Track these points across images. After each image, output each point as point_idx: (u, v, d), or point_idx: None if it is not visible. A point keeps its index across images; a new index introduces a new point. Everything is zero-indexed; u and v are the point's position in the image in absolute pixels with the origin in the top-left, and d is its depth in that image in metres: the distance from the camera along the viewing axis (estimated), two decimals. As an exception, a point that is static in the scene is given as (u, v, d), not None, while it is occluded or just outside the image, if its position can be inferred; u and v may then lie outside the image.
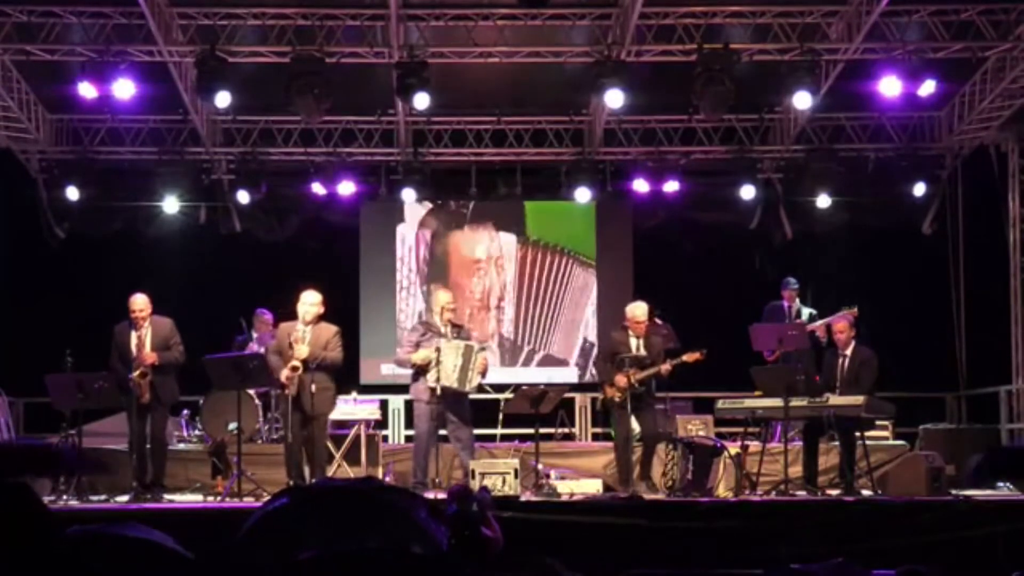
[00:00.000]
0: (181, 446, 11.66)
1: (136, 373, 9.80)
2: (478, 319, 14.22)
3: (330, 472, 10.59)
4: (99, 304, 11.77)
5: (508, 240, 14.65)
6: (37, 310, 13.34)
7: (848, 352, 10.46)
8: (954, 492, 9.81)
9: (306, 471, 9.93)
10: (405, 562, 2.97)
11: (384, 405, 12.56)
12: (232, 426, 10.54)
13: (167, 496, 9.91)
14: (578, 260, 14.66)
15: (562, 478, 10.88)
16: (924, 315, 14.04)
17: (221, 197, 14.02)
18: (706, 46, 11.33)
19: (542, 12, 11.52)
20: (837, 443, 10.49)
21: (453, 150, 14.12)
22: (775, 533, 8.40)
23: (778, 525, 8.56)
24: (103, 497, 9.89)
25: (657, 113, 13.70)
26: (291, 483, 9.54)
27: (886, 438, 11.63)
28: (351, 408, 11.56)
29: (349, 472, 11.12)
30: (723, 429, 11.64)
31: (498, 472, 9.69)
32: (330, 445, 10.75)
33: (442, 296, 10.62)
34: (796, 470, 10.43)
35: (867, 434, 10.42)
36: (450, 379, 10.04)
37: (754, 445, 10.79)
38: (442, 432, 10.41)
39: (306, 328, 9.86)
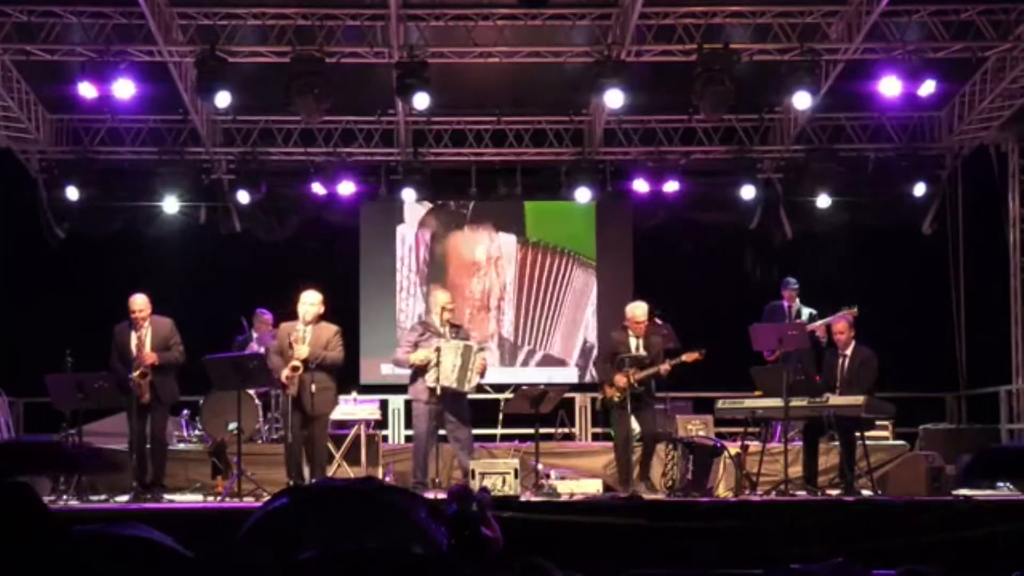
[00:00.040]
0: (181, 446, 11.66)
1: (136, 373, 9.80)
2: (477, 320, 14.22)
3: (330, 472, 10.58)
4: (99, 304, 11.77)
5: (508, 241, 14.65)
6: (37, 310, 13.34)
7: (848, 352, 10.46)
8: (954, 492, 9.80)
9: (306, 471, 9.93)
10: (405, 562, 2.97)
11: (384, 405, 12.56)
12: (232, 426, 10.54)
13: (167, 496, 9.91)
14: (578, 261, 14.65)
15: (562, 478, 10.88)
16: (924, 315, 14.04)
17: (221, 197, 14.02)
18: (706, 46, 11.33)
19: (542, 12, 11.52)
20: (837, 443, 10.48)
21: (453, 150, 14.12)
22: (775, 533, 8.41)
23: (778, 525, 8.56)
24: (103, 497, 9.88)
25: (657, 113, 13.70)
26: (291, 483, 9.54)
27: (886, 438, 11.63)
28: (351, 408, 11.56)
29: (349, 472, 11.12)
30: (723, 429, 11.64)
31: (498, 472, 9.69)
32: (330, 445, 10.74)
33: (441, 296, 10.61)
34: (796, 470, 10.43)
35: (867, 434, 10.41)
36: (449, 379, 10.03)
37: (754, 445, 10.79)
38: (441, 432, 10.41)
39: (306, 328, 9.86)
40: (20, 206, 13.73)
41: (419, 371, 10.23)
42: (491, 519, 6.98)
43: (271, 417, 11.68)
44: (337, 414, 10.91)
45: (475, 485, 9.06)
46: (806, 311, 12.54)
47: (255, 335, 12.34)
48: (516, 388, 11.87)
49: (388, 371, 13.28)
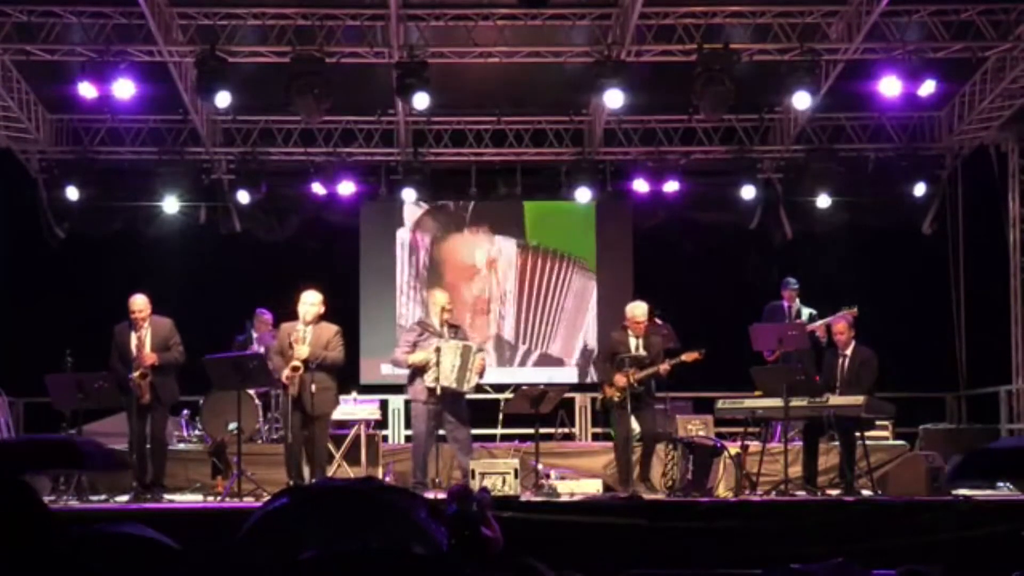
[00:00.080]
0: (181, 446, 11.66)
1: (136, 374, 9.80)
2: (476, 324, 14.19)
3: (330, 472, 10.58)
4: (99, 304, 11.77)
5: (508, 246, 14.64)
6: (37, 310, 13.34)
7: (848, 352, 10.46)
8: (954, 492, 9.80)
9: (306, 471, 9.93)
10: (405, 562, 2.97)
11: (384, 405, 12.56)
12: (232, 426, 10.54)
13: (167, 496, 9.91)
14: (578, 266, 14.63)
15: (562, 478, 10.88)
16: (924, 315, 14.04)
17: (221, 197, 14.03)
18: (706, 46, 11.33)
19: (542, 12, 11.52)
20: (837, 443, 10.48)
21: (453, 150, 14.12)
22: (775, 533, 8.41)
23: (778, 525, 8.56)
24: (103, 497, 9.89)
25: (657, 113, 13.70)
26: (291, 483, 9.54)
27: (886, 438, 11.63)
28: (351, 408, 11.56)
29: (349, 472, 11.12)
30: (723, 429, 11.64)
31: (498, 472, 9.69)
32: (330, 445, 10.74)
33: (440, 296, 10.60)
34: (796, 470, 10.43)
35: (867, 434, 10.41)
36: (448, 379, 10.03)
37: (754, 445, 10.79)
38: (440, 432, 10.40)
39: (307, 328, 9.86)
40: (20, 206, 13.73)
41: (418, 371, 10.23)
42: (491, 519, 6.99)
43: (271, 417, 11.68)
44: (337, 414, 10.90)
45: (475, 485, 9.06)
46: (806, 311, 12.54)
47: (255, 335, 12.34)
48: (516, 388, 11.87)
49: (388, 371, 13.28)
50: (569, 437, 12.92)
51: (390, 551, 3.00)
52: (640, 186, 13.94)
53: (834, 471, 10.67)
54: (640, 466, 10.58)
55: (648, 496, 9.82)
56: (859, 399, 9.91)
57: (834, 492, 10.17)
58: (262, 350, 11.47)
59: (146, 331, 9.98)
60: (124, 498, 9.74)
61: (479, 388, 11.13)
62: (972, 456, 4.32)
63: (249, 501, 9.37)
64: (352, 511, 3.13)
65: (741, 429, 11.15)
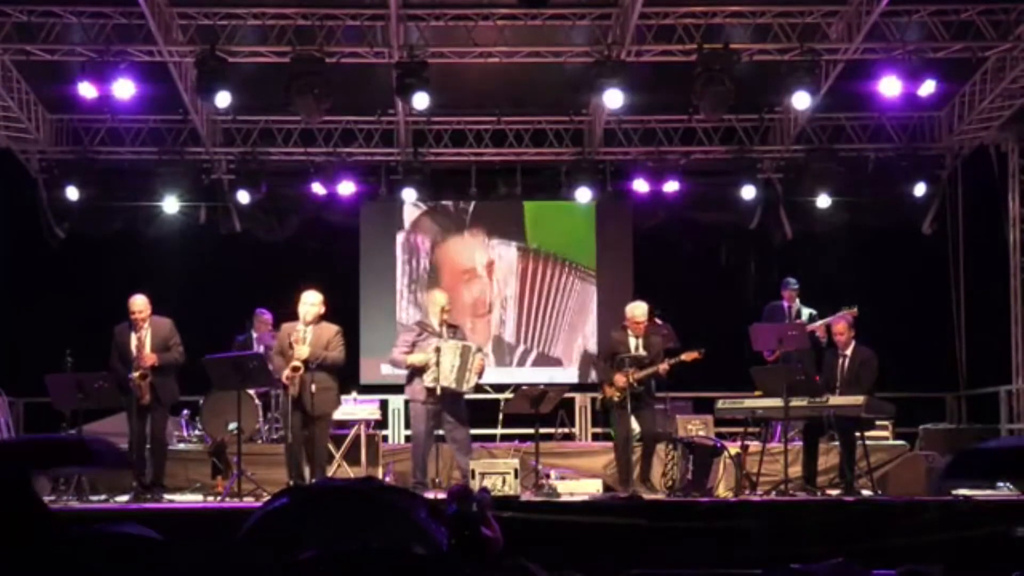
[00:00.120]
0: (181, 446, 11.65)
1: (136, 374, 9.80)
2: (477, 327, 14.15)
3: (330, 472, 10.58)
4: (99, 304, 11.78)
5: (509, 251, 14.62)
6: (37, 310, 13.34)
7: (848, 352, 10.46)
8: (954, 492, 9.80)
9: (306, 471, 9.92)
10: (405, 562, 2.98)
11: (384, 405, 12.56)
12: (232, 426, 10.54)
13: (167, 496, 9.90)
14: (579, 272, 14.60)
15: (562, 478, 10.88)
16: (924, 315, 14.04)
17: (221, 197, 14.03)
18: (706, 46, 11.33)
19: (542, 12, 11.52)
20: (837, 443, 10.48)
21: (453, 150, 14.12)
22: (775, 533, 8.41)
23: (778, 525, 8.56)
24: (103, 497, 9.88)
25: (657, 113, 13.70)
26: (291, 483, 9.54)
27: (886, 438, 11.62)
28: (351, 408, 11.55)
29: (349, 472, 11.11)
30: (723, 429, 11.63)
31: (498, 472, 9.69)
32: (330, 445, 10.73)
33: (439, 297, 10.58)
34: (796, 470, 10.43)
35: (867, 434, 10.41)
36: (448, 379, 10.02)
37: (754, 445, 10.79)
38: (439, 432, 10.40)
39: (307, 328, 9.86)
40: (20, 206, 13.72)
41: (416, 371, 10.22)
42: (491, 519, 6.99)
43: (271, 417, 11.68)
44: (337, 414, 10.90)
45: (475, 485, 9.06)
46: (806, 311, 12.54)
47: (255, 335, 12.34)
48: (516, 388, 11.86)
49: (388, 371, 13.26)
50: (569, 437, 12.91)
51: (390, 551, 3.00)
52: (640, 186, 13.94)
53: (834, 471, 10.67)
54: (640, 466, 10.57)
55: (648, 496, 9.82)
56: (859, 399, 9.91)
57: (834, 492, 10.16)
58: (262, 350, 11.48)
59: (146, 332, 9.98)
60: (124, 498, 9.73)
61: (479, 388, 11.13)
62: (962, 456, 4.32)
63: (249, 501, 9.37)
64: (352, 511, 3.13)
65: (741, 429, 11.15)
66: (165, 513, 9.00)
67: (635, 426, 10.62)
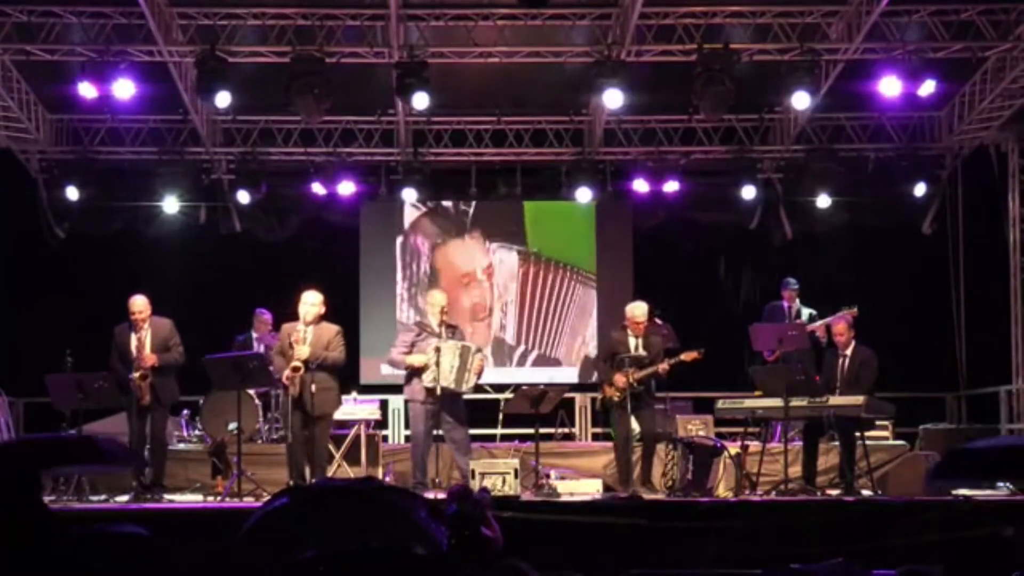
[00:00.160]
0: (181, 446, 11.65)
1: (136, 375, 9.80)
2: (476, 331, 14.12)
3: (330, 472, 10.58)
4: (99, 304, 11.78)
5: (509, 256, 14.61)
6: (37, 310, 13.34)
7: (848, 352, 10.46)
8: (954, 492, 9.80)
9: (306, 471, 9.92)
10: (405, 562, 2.97)
11: (384, 405, 12.55)
12: (232, 426, 10.53)
13: (167, 496, 9.90)
14: (579, 276, 14.58)
15: (562, 478, 10.87)
16: (924, 315, 14.04)
17: (221, 197, 14.03)
18: (706, 46, 11.33)
19: (542, 12, 11.52)
20: (837, 443, 10.48)
21: (453, 150, 14.12)
22: (775, 533, 8.40)
23: (778, 525, 8.56)
24: (103, 497, 9.88)
25: (657, 113, 13.70)
26: (291, 483, 9.53)
27: (886, 438, 11.62)
28: (351, 408, 11.55)
29: (349, 472, 11.11)
30: (723, 429, 11.63)
31: (498, 472, 9.69)
32: (330, 445, 10.73)
33: (438, 297, 10.57)
34: (796, 470, 10.43)
35: (867, 434, 10.41)
36: (447, 380, 10.02)
37: (754, 445, 10.79)
38: (438, 432, 10.39)
39: (307, 328, 9.86)
40: (20, 206, 13.72)
41: (415, 372, 10.21)
42: (491, 519, 6.98)
43: (271, 417, 11.68)
44: (337, 414, 10.90)
45: (475, 485, 9.06)
46: (806, 311, 12.54)
47: (255, 335, 12.33)
48: (516, 388, 11.86)
49: (388, 371, 13.24)
50: (569, 437, 12.91)
51: (390, 551, 3.00)
52: (640, 186, 13.94)
53: (834, 471, 10.67)
54: (641, 466, 10.56)
55: (648, 496, 9.82)
56: (859, 399, 9.91)
57: (834, 492, 10.16)
58: (262, 350, 11.48)
59: (146, 332, 9.99)
60: (124, 498, 9.73)
61: (479, 388, 11.12)
62: (952, 455, 4.31)
63: (249, 501, 9.37)
64: (352, 511, 3.13)
65: (741, 429, 11.15)
66: (165, 513, 9.00)
67: (635, 426, 10.62)
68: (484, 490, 8.05)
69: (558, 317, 14.55)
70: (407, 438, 12.32)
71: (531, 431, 10.90)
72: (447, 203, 14.67)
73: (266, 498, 3.85)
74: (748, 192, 13.85)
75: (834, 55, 11.96)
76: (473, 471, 9.70)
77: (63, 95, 12.56)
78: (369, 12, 11.63)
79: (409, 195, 13.90)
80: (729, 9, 11.57)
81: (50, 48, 11.57)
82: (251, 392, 11.15)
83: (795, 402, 10.00)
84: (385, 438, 12.57)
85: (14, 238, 13.83)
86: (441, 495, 8.05)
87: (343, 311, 11.43)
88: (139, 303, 10.01)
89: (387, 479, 10.86)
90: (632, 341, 10.59)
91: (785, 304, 12.70)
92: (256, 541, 3.11)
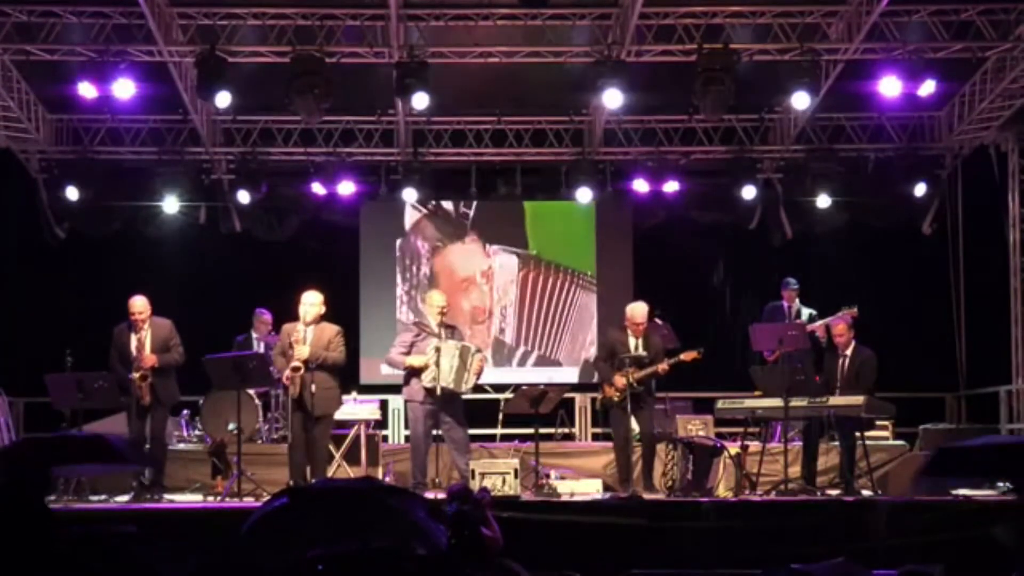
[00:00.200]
0: (181, 446, 11.65)
1: (136, 375, 9.80)
2: (475, 334, 14.12)
3: (330, 472, 10.58)
4: (99, 304, 11.78)
5: (509, 260, 14.60)
6: (37, 310, 13.34)
7: (848, 352, 10.46)
8: (954, 492, 9.80)
9: (306, 471, 9.92)
10: (405, 562, 2.98)
11: (384, 405, 12.55)
12: (232, 426, 10.54)
13: (167, 496, 9.90)
14: (579, 280, 14.57)
15: (562, 478, 10.87)
16: (924, 315, 14.04)
17: (221, 197, 14.03)
18: (706, 46, 11.32)
19: (542, 12, 11.52)
20: (837, 443, 10.48)
21: (453, 150, 14.11)
22: (775, 533, 8.41)
23: (778, 525, 8.56)
24: (103, 497, 9.88)
25: (657, 113, 13.70)
26: (291, 483, 9.53)
27: (886, 438, 11.63)
28: (351, 408, 11.54)
29: (349, 472, 11.10)
30: (723, 429, 11.63)
31: (498, 472, 9.68)
32: (330, 445, 10.73)
33: (437, 297, 10.56)
34: (796, 470, 10.43)
35: (867, 434, 10.41)
36: (447, 380, 10.01)
37: (754, 445, 10.79)
38: (438, 432, 10.39)
39: (307, 328, 9.85)
40: (20, 206, 13.72)
41: (414, 372, 10.21)
42: (491, 519, 6.99)
43: (271, 417, 11.68)
44: (337, 414, 10.90)
45: (475, 485, 9.05)
46: (806, 311, 12.53)
47: (255, 335, 12.33)
48: (516, 388, 11.86)
49: (388, 371, 13.22)
50: (569, 437, 12.91)
51: (390, 551, 3.00)
52: (640, 186, 13.94)
53: (834, 471, 10.67)
54: (641, 467, 10.55)
55: (648, 496, 9.82)
56: (859, 399, 9.91)
57: (834, 492, 10.17)
58: (262, 350, 11.47)
59: (146, 332, 9.98)
60: (124, 498, 9.74)
61: (479, 388, 11.12)
62: (942, 454, 4.30)
63: (249, 501, 9.37)
64: (352, 511, 3.13)
65: (741, 429, 11.15)
66: (165, 513, 9.00)
67: (635, 426, 10.62)
68: (484, 490, 8.05)
69: (558, 321, 14.54)
70: (407, 438, 12.31)
71: (531, 431, 10.90)
72: (447, 204, 14.67)
73: (266, 498, 3.86)
74: (748, 192, 13.85)
75: (834, 55, 11.95)
76: (473, 471, 9.69)
77: (63, 95, 12.57)
78: (369, 12, 11.63)
79: (409, 195, 13.89)
80: (729, 9, 11.57)
81: (50, 48, 11.57)
82: (251, 392, 11.15)
83: (795, 402, 10.00)
84: (385, 438, 12.56)
85: (14, 238, 13.83)
86: (441, 495, 8.05)
87: (343, 311, 11.42)
88: (139, 303, 10.01)
89: (387, 479, 10.85)
90: (632, 341, 10.58)
91: (785, 304, 12.68)
92: (256, 541, 3.11)
